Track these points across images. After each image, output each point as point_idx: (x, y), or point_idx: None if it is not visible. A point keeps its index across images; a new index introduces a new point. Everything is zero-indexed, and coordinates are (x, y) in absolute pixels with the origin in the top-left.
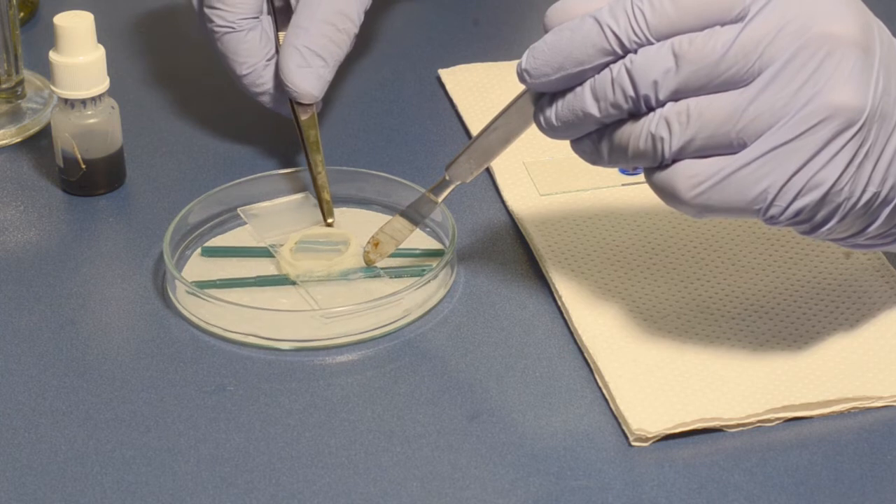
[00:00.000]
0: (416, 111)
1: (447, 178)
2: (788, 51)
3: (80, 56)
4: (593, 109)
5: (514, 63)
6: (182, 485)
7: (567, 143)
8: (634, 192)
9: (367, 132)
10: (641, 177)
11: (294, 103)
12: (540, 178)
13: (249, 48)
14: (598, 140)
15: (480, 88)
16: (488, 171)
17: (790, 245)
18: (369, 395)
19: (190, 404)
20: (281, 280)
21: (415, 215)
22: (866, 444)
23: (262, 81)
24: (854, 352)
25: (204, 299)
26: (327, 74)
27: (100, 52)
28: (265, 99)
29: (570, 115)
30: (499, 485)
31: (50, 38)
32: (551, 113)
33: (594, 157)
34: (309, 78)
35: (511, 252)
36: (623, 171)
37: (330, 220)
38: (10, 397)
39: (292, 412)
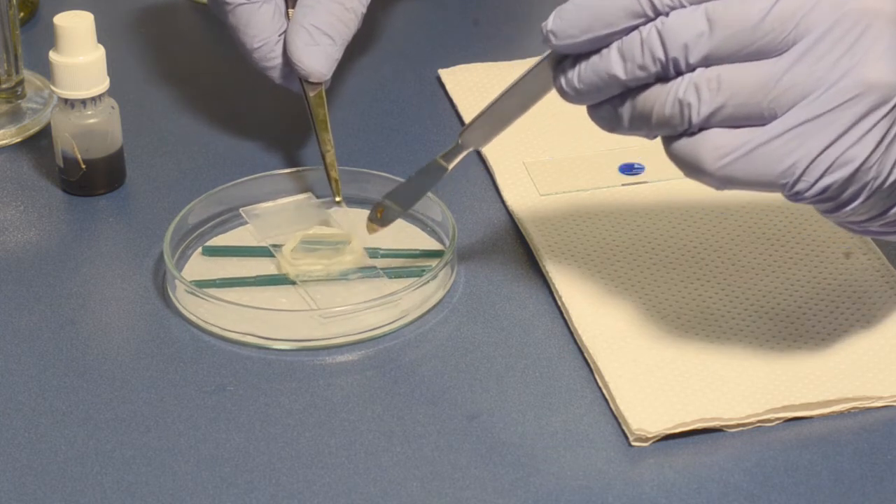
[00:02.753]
0: (416, 111)
1: (460, 142)
2: (826, 22)
3: (80, 56)
4: (619, 71)
5: (515, 63)
6: (182, 485)
7: (566, 142)
8: (634, 192)
9: (367, 132)
10: (641, 177)
11: (303, 81)
12: (540, 178)
13: (262, 21)
14: (619, 104)
15: (480, 88)
16: (488, 171)
17: (790, 245)
18: (369, 395)
19: (190, 404)
20: (280, 280)
21: (424, 181)
22: (866, 444)
23: (272, 56)
24: (854, 352)
25: (203, 299)
26: (335, 53)
27: (100, 52)
28: (274, 74)
29: (594, 77)
30: (499, 485)
31: (50, 38)
32: (574, 75)
33: (612, 124)
34: (317, 56)
35: (511, 252)
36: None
37: (338, 199)
38: (10, 397)
39: (292, 412)
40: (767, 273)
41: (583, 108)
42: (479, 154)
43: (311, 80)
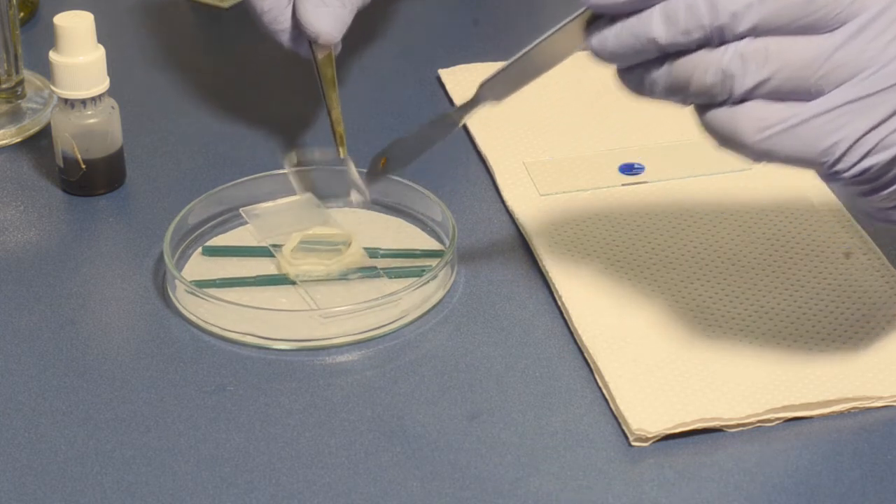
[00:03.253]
0: (416, 111)
1: (478, 95)
2: (881, 2)
3: (80, 56)
4: (660, 35)
5: None
6: (182, 485)
7: (566, 142)
8: (634, 192)
9: (367, 132)
10: (641, 177)
11: (312, 44)
12: (540, 178)
13: None
14: (654, 69)
15: None
16: (488, 171)
17: (790, 245)
18: (369, 395)
19: (190, 404)
20: (281, 280)
21: (432, 133)
22: (866, 444)
23: (282, 19)
24: (854, 352)
25: (203, 299)
26: (345, 16)
27: (100, 52)
28: (283, 38)
29: (632, 39)
30: (499, 485)
31: (50, 38)
32: (609, 34)
33: (642, 88)
34: (326, 18)
35: (511, 252)
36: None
37: (343, 154)
38: (10, 397)
39: (292, 412)
40: (767, 273)
41: (583, 108)
42: (479, 154)
43: (319, 41)
